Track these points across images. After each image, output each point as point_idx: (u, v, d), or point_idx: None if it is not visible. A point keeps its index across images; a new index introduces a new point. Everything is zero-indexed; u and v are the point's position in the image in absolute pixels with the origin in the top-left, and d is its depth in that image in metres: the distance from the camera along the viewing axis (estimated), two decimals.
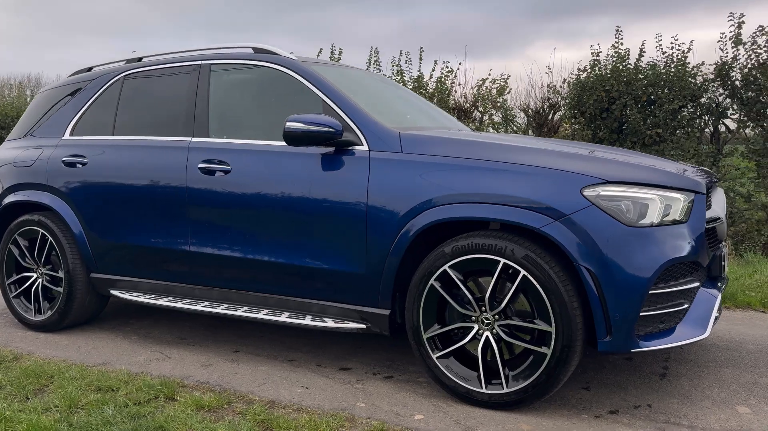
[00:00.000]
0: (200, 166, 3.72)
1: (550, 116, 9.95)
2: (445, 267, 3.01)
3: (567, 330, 2.78)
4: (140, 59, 4.42)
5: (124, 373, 3.48)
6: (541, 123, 9.76)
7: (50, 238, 4.27)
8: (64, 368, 3.59)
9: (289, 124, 3.28)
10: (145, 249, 3.95)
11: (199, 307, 3.77)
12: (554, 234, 2.79)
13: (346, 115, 3.40)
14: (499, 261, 2.89)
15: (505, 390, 2.92)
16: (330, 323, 3.38)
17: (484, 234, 2.96)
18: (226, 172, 3.64)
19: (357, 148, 3.33)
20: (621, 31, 9.26)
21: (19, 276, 4.49)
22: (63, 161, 4.28)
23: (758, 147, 8.11)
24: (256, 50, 3.90)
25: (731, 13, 8.49)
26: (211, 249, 3.70)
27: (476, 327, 3.00)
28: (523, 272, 2.84)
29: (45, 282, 4.37)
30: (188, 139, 3.86)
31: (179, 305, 3.85)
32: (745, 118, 8.69)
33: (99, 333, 4.34)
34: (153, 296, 4.00)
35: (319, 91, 3.53)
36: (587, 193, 2.80)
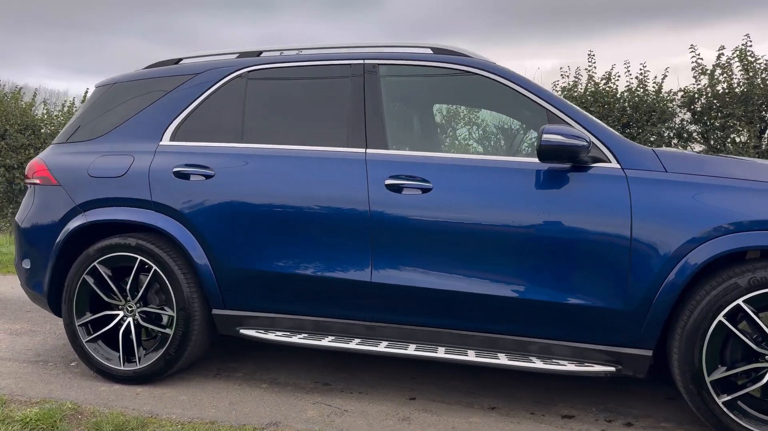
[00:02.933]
0: (388, 182, 3.15)
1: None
2: (739, 301, 2.74)
3: None
4: (259, 54, 3.71)
5: None
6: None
7: (155, 267, 3.43)
8: None
9: (547, 137, 2.85)
10: (300, 279, 3.28)
11: (381, 348, 3.17)
12: None
13: (585, 128, 3.04)
14: None
15: None
16: (570, 367, 2.96)
17: None
18: (425, 189, 3.11)
19: (603, 165, 2.98)
20: (593, 55, 9.55)
21: (97, 315, 3.57)
22: (175, 172, 3.46)
23: None
24: (437, 50, 3.40)
25: (692, 45, 9.06)
26: (403, 280, 3.13)
27: None
28: None
29: (141, 322, 3.50)
30: (361, 150, 3.27)
31: (350, 346, 3.21)
32: (705, 143, 9.29)
33: (210, 382, 3.55)
34: (305, 335, 3.33)
35: (544, 100, 3.13)
36: None
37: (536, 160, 3.01)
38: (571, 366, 2.96)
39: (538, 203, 2.97)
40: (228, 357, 3.99)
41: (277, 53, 3.66)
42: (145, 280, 3.48)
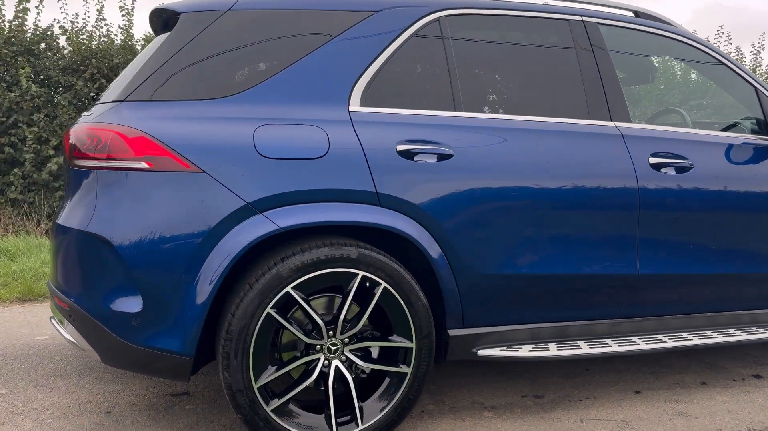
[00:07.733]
0: (652, 161, 2.85)
1: None
2: None
3: None
4: None
5: None
6: None
7: (384, 284, 2.42)
8: None
9: None
10: (550, 280, 2.75)
11: (642, 346, 2.89)
12: None
13: None
14: None
15: None
16: None
17: None
18: (682, 168, 2.91)
19: None
20: None
21: (289, 367, 2.38)
22: (400, 151, 2.47)
23: None
24: (640, 14, 3.14)
25: None
26: (673, 268, 2.93)
27: None
28: None
29: (359, 362, 2.45)
30: (609, 123, 2.86)
31: (613, 349, 2.84)
32: None
33: (427, 422, 2.71)
34: (556, 345, 2.81)
35: (752, 78, 3.20)
36: None
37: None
38: None
39: None
40: None
41: None
42: (361, 305, 2.45)
